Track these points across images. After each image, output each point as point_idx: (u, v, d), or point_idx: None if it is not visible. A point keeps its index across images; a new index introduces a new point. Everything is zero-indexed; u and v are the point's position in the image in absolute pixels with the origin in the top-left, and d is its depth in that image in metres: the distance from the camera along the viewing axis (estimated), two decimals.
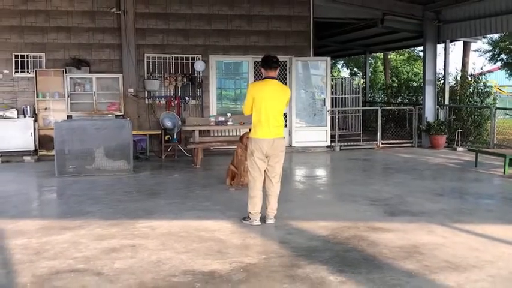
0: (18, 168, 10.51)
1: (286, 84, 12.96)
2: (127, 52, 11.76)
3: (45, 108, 11.67)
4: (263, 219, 5.96)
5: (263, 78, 6.10)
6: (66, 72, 11.60)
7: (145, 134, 11.58)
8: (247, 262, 4.66)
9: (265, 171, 5.94)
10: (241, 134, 8.71)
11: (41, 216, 6.70)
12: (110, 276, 4.34)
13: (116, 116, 11.63)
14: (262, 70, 6.11)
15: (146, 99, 12.22)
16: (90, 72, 11.79)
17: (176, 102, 12.33)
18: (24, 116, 11.39)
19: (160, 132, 11.71)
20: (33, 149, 11.48)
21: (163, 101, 12.33)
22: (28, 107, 11.44)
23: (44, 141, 11.54)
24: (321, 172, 10.75)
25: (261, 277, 4.30)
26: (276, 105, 5.87)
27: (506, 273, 4.31)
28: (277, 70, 6.08)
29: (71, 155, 9.23)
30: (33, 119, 11.43)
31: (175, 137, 11.89)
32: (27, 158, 11.14)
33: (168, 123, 11.65)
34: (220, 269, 4.48)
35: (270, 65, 6.01)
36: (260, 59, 6.30)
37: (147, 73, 12.13)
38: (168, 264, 4.62)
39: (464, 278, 4.20)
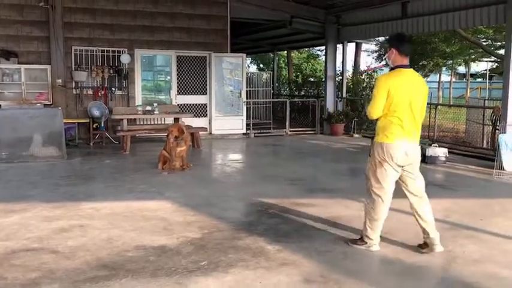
0: None
1: (205, 78, 13.00)
2: (55, 45, 11.16)
3: None
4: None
5: (395, 67, 4.19)
6: None
7: (74, 122, 11.11)
8: (192, 237, 4.71)
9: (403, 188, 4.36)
10: (172, 125, 8.44)
11: None
12: (66, 253, 4.23)
13: (45, 105, 11.05)
14: (393, 55, 4.18)
15: (74, 90, 11.68)
16: (18, 63, 11.07)
17: (103, 92, 11.92)
18: None
19: (88, 120, 11.30)
20: None
21: (90, 91, 11.86)
22: None
23: None
24: (242, 156, 10.92)
25: (208, 249, 4.37)
26: (419, 102, 4.18)
27: (411, 238, 4.68)
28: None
29: (4, 142, 8.70)
30: None
31: (102, 125, 11.51)
32: None
33: (96, 112, 11.27)
34: (169, 244, 4.50)
35: (407, 48, 4.20)
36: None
37: (75, 65, 11.60)
38: (119, 241, 4.56)
39: (379, 243, 4.53)
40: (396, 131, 4.11)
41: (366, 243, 4.34)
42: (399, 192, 4.38)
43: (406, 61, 4.18)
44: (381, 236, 4.41)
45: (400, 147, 4.12)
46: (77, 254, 4.21)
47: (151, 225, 5.08)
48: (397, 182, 4.32)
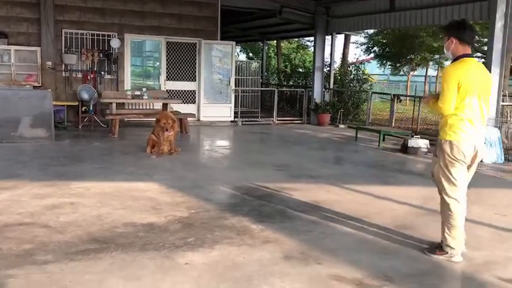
0: None
1: (195, 65, 13.13)
2: (45, 27, 11.21)
3: None
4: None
5: (459, 57, 3.87)
6: None
7: (63, 105, 11.21)
8: (180, 215, 4.91)
9: None
10: (162, 115, 8.40)
11: None
12: (58, 228, 4.41)
13: (34, 87, 11.13)
14: (453, 45, 3.87)
15: (63, 72, 11.77)
16: (8, 44, 11.11)
17: (92, 76, 12.01)
18: None
19: (77, 103, 11.39)
20: None
21: (80, 75, 11.94)
22: None
23: None
24: (229, 143, 11.11)
25: (194, 227, 4.58)
26: (486, 94, 3.94)
27: (388, 222, 4.94)
28: None
29: None
30: None
31: (91, 108, 11.61)
32: None
33: (85, 96, 11.36)
34: (158, 221, 4.70)
35: (468, 36, 3.88)
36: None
37: (65, 47, 11.66)
38: (109, 218, 4.75)
39: (358, 225, 4.79)
40: (466, 126, 3.81)
41: (447, 253, 3.98)
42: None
43: (468, 50, 3.87)
44: (365, 221, 4.60)
45: (471, 143, 3.84)
46: (68, 229, 4.39)
47: (140, 204, 5.27)
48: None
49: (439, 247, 4.07)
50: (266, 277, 3.52)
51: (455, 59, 3.88)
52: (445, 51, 3.98)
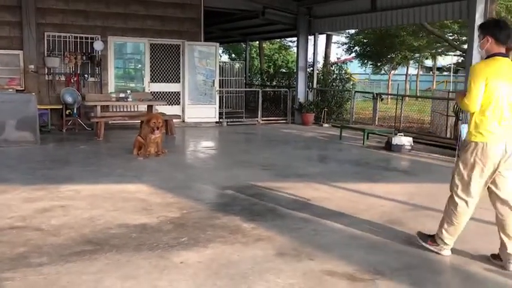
0: None
1: (179, 66, 13.14)
2: (28, 30, 11.12)
3: None
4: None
5: (491, 55, 3.78)
6: None
7: (47, 109, 11.13)
8: (172, 216, 4.96)
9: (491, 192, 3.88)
10: (152, 116, 8.46)
11: None
12: (51, 231, 4.42)
13: (17, 90, 11.00)
14: (488, 44, 3.78)
15: (46, 76, 11.67)
16: None
17: (76, 79, 11.95)
18: None
19: (61, 106, 11.33)
20: None
21: (63, 78, 11.86)
22: None
23: None
24: (215, 143, 11.15)
25: (187, 227, 4.64)
26: None
27: (376, 218, 5.06)
28: None
29: None
30: None
31: (75, 111, 11.54)
32: None
33: (69, 99, 11.31)
34: (150, 222, 4.75)
35: (505, 36, 3.76)
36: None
37: (48, 51, 11.57)
38: (101, 219, 4.78)
39: (347, 221, 4.89)
40: (493, 127, 3.70)
41: (438, 245, 4.04)
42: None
43: (502, 49, 3.75)
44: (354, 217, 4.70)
45: (499, 145, 3.71)
46: (61, 231, 4.41)
47: (131, 205, 5.30)
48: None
49: (431, 238, 4.11)
50: (261, 274, 3.59)
51: (487, 57, 3.81)
52: (478, 49, 3.93)
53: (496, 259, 3.93)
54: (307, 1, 13.81)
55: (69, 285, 3.36)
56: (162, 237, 4.32)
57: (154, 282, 3.43)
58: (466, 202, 3.86)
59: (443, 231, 4.00)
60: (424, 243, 4.13)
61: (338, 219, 4.94)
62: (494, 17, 9.34)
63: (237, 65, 18.91)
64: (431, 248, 4.08)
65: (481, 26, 3.92)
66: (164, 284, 3.40)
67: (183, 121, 12.91)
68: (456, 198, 3.90)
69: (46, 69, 11.64)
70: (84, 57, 11.96)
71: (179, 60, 13.12)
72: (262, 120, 14.13)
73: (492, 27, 3.78)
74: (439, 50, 25.72)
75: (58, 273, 3.52)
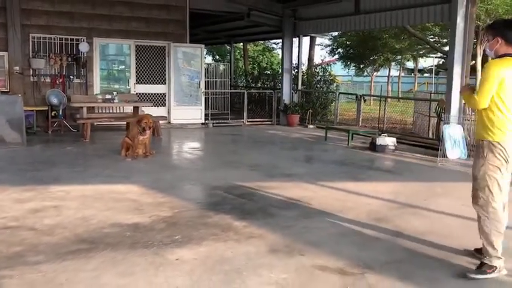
0: None
1: (164, 68, 13.19)
2: (12, 31, 11.09)
3: None
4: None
5: (502, 55, 3.72)
6: None
7: (32, 110, 11.08)
8: (164, 215, 5.04)
9: None
10: (142, 116, 8.49)
11: None
12: (45, 230, 4.47)
13: (2, 92, 10.96)
14: (498, 44, 3.73)
15: (32, 77, 11.64)
16: None
17: (61, 80, 11.93)
18: None
19: (46, 108, 11.30)
20: None
21: (48, 79, 11.84)
22: None
23: None
24: (202, 145, 11.21)
25: (179, 225, 4.72)
26: None
27: (363, 216, 5.20)
28: None
29: None
30: None
31: (60, 113, 11.52)
32: None
33: (54, 100, 11.28)
34: (143, 221, 4.82)
35: None
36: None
37: (33, 52, 11.54)
38: (94, 219, 4.84)
39: (336, 219, 5.03)
40: (509, 124, 3.66)
41: (496, 266, 3.69)
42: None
43: (510, 50, 3.69)
44: (342, 215, 4.86)
45: None
46: (55, 231, 4.46)
47: (123, 205, 5.37)
48: None
49: (484, 266, 3.75)
50: (255, 269, 3.70)
51: (498, 57, 3.75)
52: (487, 50, 3.87)
53: (479, 253, 4.04)
54: (292, 3, 13.97)
55: (68, 282, 3.43)
56: (156, 235, 4.40)
57: (150, 278, 3.52)
58: (498, 204, 3.72)
59: (495, 246, 3.71)
60: (484, 276, 3.69)
61: (327, 217, 5.08)
62: (474, 19, 9.62)
63: (221, 67, 19.01)
64: (493, 274, 3.69)
65: (491, 27, 3.89)
66: (161, 280, 3.49)
67: (169, 122, 12.96)
68: (494, 204, 3.70)
69: (31, 71, 11.60)
70: (69, 59, 11.96)
71: (165, 62, 13.17)
72: (247, 121, 14.24)
73: (503, 28, 3.73)
74: (421, 52, 26.18)
75: (55, 271, 3.58)
